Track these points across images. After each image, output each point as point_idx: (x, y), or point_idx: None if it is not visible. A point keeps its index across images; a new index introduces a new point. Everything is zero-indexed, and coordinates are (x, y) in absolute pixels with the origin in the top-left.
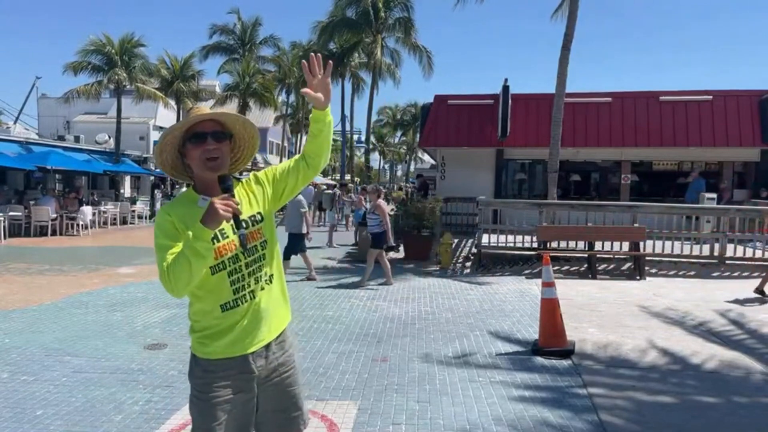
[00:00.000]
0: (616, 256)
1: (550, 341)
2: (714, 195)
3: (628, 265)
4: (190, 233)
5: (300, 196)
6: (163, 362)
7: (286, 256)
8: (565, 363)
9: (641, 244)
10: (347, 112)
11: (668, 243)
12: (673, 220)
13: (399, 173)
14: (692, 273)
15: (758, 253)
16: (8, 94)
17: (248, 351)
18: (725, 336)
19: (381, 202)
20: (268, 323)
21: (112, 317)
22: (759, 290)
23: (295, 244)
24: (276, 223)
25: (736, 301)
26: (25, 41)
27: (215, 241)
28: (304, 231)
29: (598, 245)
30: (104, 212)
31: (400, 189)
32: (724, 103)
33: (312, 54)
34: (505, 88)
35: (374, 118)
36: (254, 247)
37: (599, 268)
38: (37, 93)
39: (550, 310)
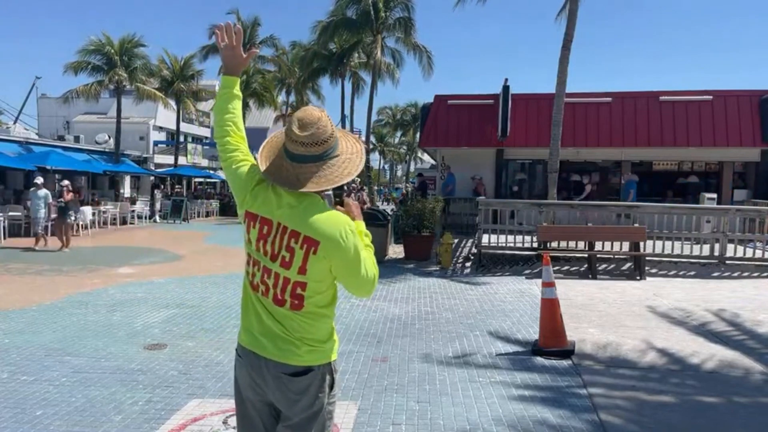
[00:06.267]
0: (616, 256)
1: (550, 341)
2: (714, 195)
3: (628, 265)
4: (362, 228)
5: None
6: (163, 362)
7: None
8: (565, 363)
9: (641, 244)
10: (347, 112)
11: (668, 243)
12: (673, 220)
13: (399, 173)
14: (692, 273)
15: (758, 253)
16: (8, 94)
17: None
18: (725, 336)
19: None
20: None
21: (112, 317)
22: None
23: None
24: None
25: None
26: (25, 41)
27: None
28: None
29: (598, 245)
30: (104, 212)
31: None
32: (724, 103)
33: (227, 25)
34: (505, 88)
35: (374, 118)
36: None
37: (599, 268)
38: (37, 93)
39: (550, 310)
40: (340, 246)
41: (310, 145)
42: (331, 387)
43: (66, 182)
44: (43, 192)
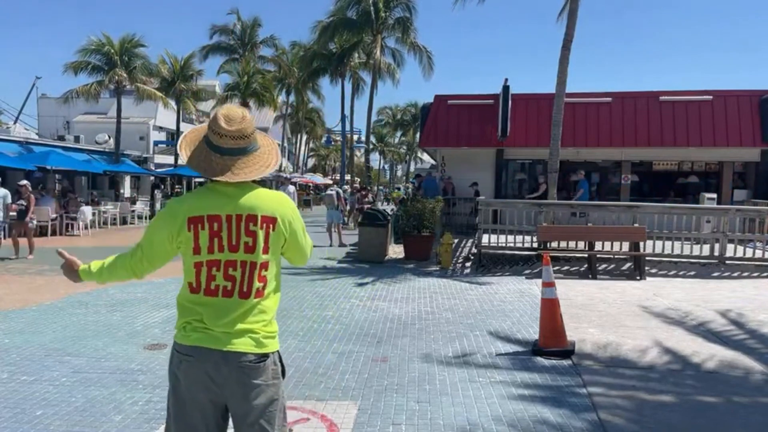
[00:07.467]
0: (616, 256)
1: (550, 341)
2: (714, 195)
3: (628, 265)
4: None
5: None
6: (163, 362)
7: None
8: (565, 363)
9: (641, 244)
10: (347, 112)
11: (668, 243)
12: (673, 220)
13: (399, 173)
14: (692, 273)
15: (758, 253)
16: (8, 94)
17: None
18: (725, 336)
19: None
20: None
21: (112, 317)
22: None
23: None
24: None
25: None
26: (25, 41)
27: None
28: None
29: (598, 245)
30: (104, 212)
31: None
32: (724, 103)
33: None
34: (505, 88)
35: (374, 118)
36: None
37: (599, 268)
38: (37, 93)
39: (550, 310)
40: (293, 219)
41: (239, 138)
42: (282, 374)
43: (24, 182)
44: (1, 192)
